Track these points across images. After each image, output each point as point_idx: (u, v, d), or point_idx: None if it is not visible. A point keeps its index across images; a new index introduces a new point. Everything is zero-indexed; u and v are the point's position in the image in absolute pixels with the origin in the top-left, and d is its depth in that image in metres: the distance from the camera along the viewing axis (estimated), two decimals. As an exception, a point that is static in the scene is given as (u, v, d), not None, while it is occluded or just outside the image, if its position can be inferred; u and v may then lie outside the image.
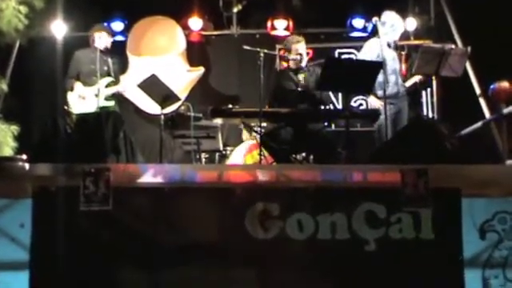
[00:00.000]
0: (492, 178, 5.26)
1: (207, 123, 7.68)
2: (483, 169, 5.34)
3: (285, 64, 8.59)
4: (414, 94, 8.67)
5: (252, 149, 7.76)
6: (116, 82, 8.15)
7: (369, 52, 7.58)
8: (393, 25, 7.57)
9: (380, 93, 7.25)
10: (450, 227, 5.05)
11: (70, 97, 8.03)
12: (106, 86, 8.04)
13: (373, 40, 7.72)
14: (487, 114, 8.72)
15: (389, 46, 7.52)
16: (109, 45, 8.28)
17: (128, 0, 9.94)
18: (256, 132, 7.13)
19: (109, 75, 8.13)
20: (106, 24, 9.10)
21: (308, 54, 7.79)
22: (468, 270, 5.04)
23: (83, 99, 7.92)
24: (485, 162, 5.43)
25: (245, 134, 8.27)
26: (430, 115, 8.99)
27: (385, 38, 7.49)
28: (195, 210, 5.04)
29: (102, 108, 7.77)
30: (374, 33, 7.72)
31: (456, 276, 5.01)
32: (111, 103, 8.05)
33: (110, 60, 8.21)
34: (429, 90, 9.23)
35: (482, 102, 8.93)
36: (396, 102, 7.41)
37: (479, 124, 8.10)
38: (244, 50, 7.29)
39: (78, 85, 8.04)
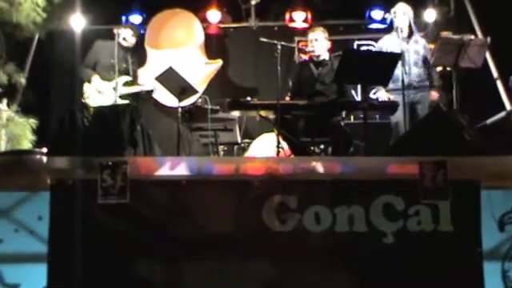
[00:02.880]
0: (511, 169, 5.20)
1: (225, 116, 7.67)
2: (502, 160, 5.28)
3: (303, 56, 8.57)
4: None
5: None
6: (133, 82, 8.12)
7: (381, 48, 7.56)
8: (396, 12, 7.54)
9: (391, 86, 7.22)
10: (468, 219, 5.01)
11: (87, 88, 8.02)
12: (124, 85, 8.02)
13: (386, 36, 7.69)
14: (507, 105, 8.64)
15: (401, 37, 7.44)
16: (129, 43, 8.22)
17: (147, -7, 9.96)
18: (274, 124, 7.11)
19: (127, 73, 8.11)
20: (130, 23, 9.10)
21: (328, 46, 7.75)
22: (487, 262, 5.00)
23: (99, 93, 7.90)
24: (504, 154, 5.36)
25: None
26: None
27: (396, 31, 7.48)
28: (212, 203, 5.03)
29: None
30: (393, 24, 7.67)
31: (475, 269, 4.97)
32: (125, 102, 8.02)
33: (129, 58, 8.19)
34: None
35: (499, 85, 8.85)
36: (409, 93, 7.33)
37: (499, 115, 8.03)
38: (262, 42, 7.28)
39: (96, 78, 8.02)
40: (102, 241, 4.95)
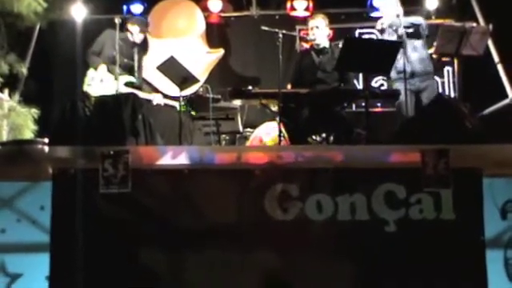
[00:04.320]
0: (514, 158, 5.20)
1: (226, 105, 7.64)
2: (505, 149, 5.28)
3: (305, 45, 8.54)
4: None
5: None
6: (134, 84, 8.06)
7: None
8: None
9: (394, 75, 7.23)
10: (471, 207, 5.03)
11: (92, 74, 7.97)
12: (125, 85, 7.98)
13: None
14: (510, 92, 8.62)
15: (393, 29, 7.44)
16: (138, 40, 8.22)
17: (148, -18, 9.93)
18: (275, 113, 7.10)
19: (130, 70, 8.06)
20: (135, 17, 9.07)
21: (329, 34, 7.74)
22: (489, 250, 5.01)
23: (101, 82, 7.86)
24: (506, 142, 5.35)
25: None
26: (452, 94, 8.92)
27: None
28: (214, 192, 5.05)
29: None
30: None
31: (477, 256, 4.98)
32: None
33: (136, 54, 8.15)
34: (450, 69, 9.16)
35: (501, 73, 8.83)
36: (414, 81, 7.32)
37: (501, 103, 8.02)
38: (263, 31, 7.26)
39: (102, 67, 7.96)
40: (103, 230, 4.97)
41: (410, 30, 7.39)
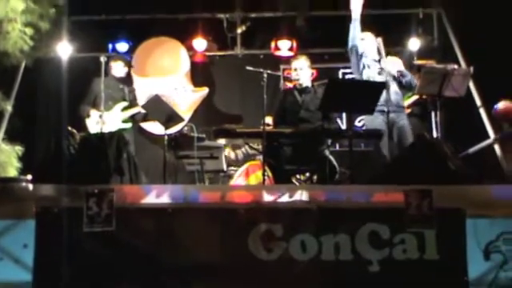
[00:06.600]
0: (496, 198, 5.24)
1: (211, 144, 7.69)
2: (487, 189, 5.32)
3: (289, 84, 8.62)
4: (421, 114, 8.65)
5: (255, 169, 7.75)
6: (131, 107, 8.15)
7: None
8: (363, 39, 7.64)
9: None
10: (454, 248, 5.02)
11: (89, 122, 8.04)
12: (122, 110, 8.06)
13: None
14: (491, 134, 8.71)
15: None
16: (123, 74, 8.32)
17: (133, 21, 10.02)
18: (259, 152, 7.13)
19: (124, 100, 8.16)
20: (122, 54, 9.16)
21: (312, 74, 7.80)
22: (473, 291, 5.02)
23: (102, 124, 7.86)
24: (489, 183, 5.40)
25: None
26: (434, 135, 8.99)
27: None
28: (198, 231, 5.03)
29: (120, 130, 7.73)
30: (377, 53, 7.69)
31: (461, 297, 4.98)
32: (129, 125, 8.08)
33: (126, 88, 8.26)
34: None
35: (483, 114, 8.94)
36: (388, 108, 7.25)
37: (483, 144, 8.09)
38: (248, 70, 7.32)
39: (93, 112, 8.02)
40: (87, 269, 4.93)
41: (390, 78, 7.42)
